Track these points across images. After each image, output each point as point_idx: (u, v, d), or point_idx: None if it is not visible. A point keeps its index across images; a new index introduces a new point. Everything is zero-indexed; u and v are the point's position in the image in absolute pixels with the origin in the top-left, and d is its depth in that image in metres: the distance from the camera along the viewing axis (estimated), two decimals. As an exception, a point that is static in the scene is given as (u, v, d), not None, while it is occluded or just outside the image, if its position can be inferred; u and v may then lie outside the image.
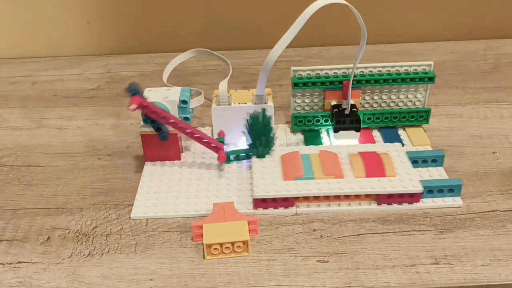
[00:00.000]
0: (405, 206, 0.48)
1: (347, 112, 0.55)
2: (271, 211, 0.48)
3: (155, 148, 0.54)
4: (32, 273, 0.43)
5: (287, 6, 0.81)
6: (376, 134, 0.58)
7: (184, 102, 0.52)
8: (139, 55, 0.84)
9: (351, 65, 0.55)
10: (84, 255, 0.44)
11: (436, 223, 0.46)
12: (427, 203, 0.48)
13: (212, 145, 0.52)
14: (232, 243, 0.43)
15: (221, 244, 0.43)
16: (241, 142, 0.56)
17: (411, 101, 0.57)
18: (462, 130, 0.60)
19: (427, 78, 0.55)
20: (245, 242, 0.43)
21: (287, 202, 0.48)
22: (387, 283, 0.41)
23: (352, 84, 0.54)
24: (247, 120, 0.51)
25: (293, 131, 0.59)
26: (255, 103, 0.54)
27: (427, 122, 0.58)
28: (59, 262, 0.44)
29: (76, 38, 0.85)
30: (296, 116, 0.58)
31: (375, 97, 0.57)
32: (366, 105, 0.57)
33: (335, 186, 0.47)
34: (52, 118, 0.66)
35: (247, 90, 0.57)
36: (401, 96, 0.57)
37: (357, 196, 0.48)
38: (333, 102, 0.56)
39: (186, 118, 0.53)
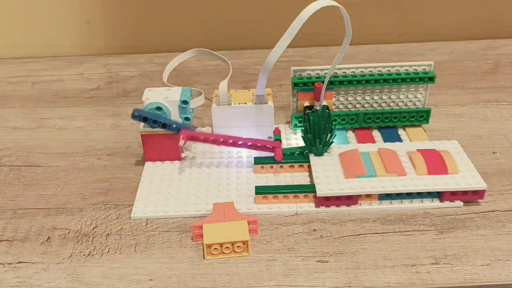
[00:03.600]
0: (405, 206, 0.48)
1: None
2: (271, 211, 0.48)
3: (155, 148, 0.54)
4: (32, 273, 0.43)
5: (287, 6, 0.81)
6: (376, 134, 0.58)
7: (185, 102, 0.52)
8: (139, 55, 0.84)
9: (352, 65, 0.55)
10: (84, 255, 0.44)
11: (436, 223, 0.46)
12: (426, 203, 0.48)
13: (268, 146, 0.52)
14: (232, 243, 0.43)
15: (221, 244, 0.43)
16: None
17: (411, 101, 0.57)
18: (462, 130, 0.60)
19: (427, 78, 0.55)
20: (245, 242, 0.43)
21: (350, 200, 0.47)
22: (387, 283, 0.41)
23: (355, 83, 0.54)
24: (306, 117, 0.51)
25: (294, 131, 0.59)
26: (256, 103, 0.54)
27: (427, 122, 0.58)
28: (59, 262, 0.44)
29: (76, 38, 0.85)
30: (296, 116, 0.58)
31: (375, 97, 0.57)
32: (366, 105, 0.57)
33: (399, 184, 0.47)
34: (52, 118, 0.66)
35: (247, 90, 0.57)
36: (401, 96, 0.57)
37: (419, 194, 0.48)
38: (306, 103, 0.56)
39: (187, 118, 0.53)
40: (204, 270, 0.42)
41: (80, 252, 0.45)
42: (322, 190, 0.47)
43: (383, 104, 0.57)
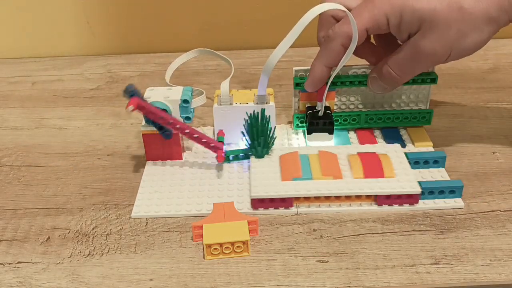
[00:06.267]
0: (405, 207, 0.48)
1: (320, 114, 0.55)
2: (271, 211, 0.48)
3: (156, 147, 0.54)
4: (32, 273, 0.43)
5: (287, 6, 0.81)
6: (377, 134, 0.58)
7: (185, 101, 0.52)
8: (139, 55, 0.84)
9: (352, 66, 0.55)
10: (84, 255, 0.44)
11: (436, 223, 0.46)
12: (428, 204, 0.48)
13: (211, 145, 0.52)
14: (232, 243, 0.43)
15: (221, 244, 0.43)
16: (243, 141, 0.56)
17: (413, 101, 0.57)
18: (462, 130, 0.60)
19: (429, 79, 0.55)
20: (245, 242, 0.43)
21: (285, 202, 0.48)
22: (387, 283, 0.41)
23: (357, 84, 0.54)
24: (246, 120, 0.51)
25: (295, 131, 0.59)
26: (257, 103, 0.54)
27: (429, 123, 0.58)
28: (59, 262, 0.44)
29: (76, 38, 0.85)
30: (298, 116, 0.58)
31: (377, 98, 0.57)
32: (368, 106, 0.57)
33: (334, 187, 0.47)
34: (52, 118, 0.66)
35: (249, 90, 0.57)
36: (403, 97, 0.57)
37: (358, 197, 0.48)
38: (308, 104, 0.56)
39: (188, 118, 0.53)
40: (204, 270, 0.42)
41: (80, 252, 0.45)
42: (257, 192, 0.47)
43: (384, 105, 0.57)
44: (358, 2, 0.50)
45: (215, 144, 0.52)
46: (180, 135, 0.54)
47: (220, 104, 0.54)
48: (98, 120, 0.65)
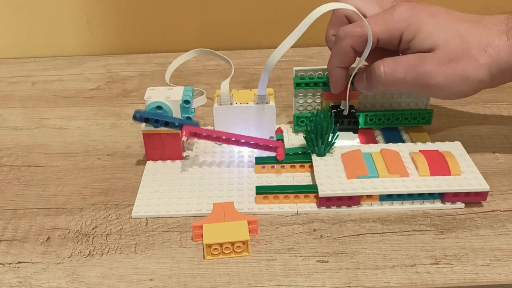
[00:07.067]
0: (405, 207, 0.48)
1: (345, 113, 0.55)
2: (271, 211, 0.48)
3: (156, 147, 0.54)
4: (32, 273, 0.43)
5: (287, 6, 0.81)
6: (378, 134, 0.58)
7: (187, 102, 0.52)
8: (139, 55, 0.84)
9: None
10: (84, 255, 0.44)
11: (436, 223, 0.46)
12: (427, 204, 0.48)
13: (270, 146, 0.52)
14: (232, 243, 0.43)
15: (221, 244, 0.43)
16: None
17: (413, 102, 0.57)
18: (462, 130, 0.60)
19: None
20: (245, 242, 0.43)
21: (352, 200, 0.47)
22: (387, 283, 0.41)
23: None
24: (308, 118, 0.51)
25: (295, 131, 0.59)
26: (257, 103, 0.54)
27: (430, 123, 0.58)
28: (59, 262, 0.44)
29: (76, 38, 0.85)
30: (298, 117, 0.58)
31: (378, 98, 0.57)
32: (368, 106, 0.57)
33: (401, 185, 0.47)
34: (52, 118, 0.66)
35: (249, 90, 0.57)
36: (403, 97, 0.57)
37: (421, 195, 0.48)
38: (331, 103, 0.56)
39: (189, 118, 0.53)
40: (204, 270, 0.42)
41: (80, 252, 0.45)
42: (324, 190, 0.47)
43: (385, 105, 0.57)
44: (374, 12, 0.50)
45: (273, 145, 0.52)
46: (181, 132, 0.53)
47: (221, 104, 0.54)
48: (98, 120, 0.65)
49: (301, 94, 0.56)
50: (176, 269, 0.43)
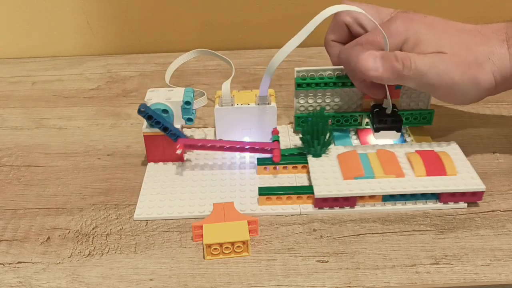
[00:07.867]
0: (406, 207, 0.48)
1: (388, 112, 0.54)
2: (274, 212, 0.48)
3: (158, 149, 0.54)
4: (32, 273, 0.43)
5: (288, 6, 0.81)
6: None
7: (187, 103, 0.52)
8: (139, 55, 0.84)
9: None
10: (84, 255, 0.44)
11: (436, 223, 0.46)
12: (429, 204, 0.48)
13: (266, 148, 0.52)
14: (232, 243, 0.43)
15: (221, 244, 0.43)
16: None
17: (414, 101, 0.57)
18: (462, 130, 0.60)
19: None
20: (245, 242, 0.43)
21: (348, 201, 0.47)
22: (387, 283, 0.41)
23: None
24: (306, 119, 0.51)
25: (296, 131, 0.59)
26: (258, 104, 0.54)
27: (430, 123, 0.58)
28: (59, 262, 0.44)
29: (76, 38, 0.85)
30: (299, 117, 0.58)
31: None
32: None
33: (397, 185, 0.47)
34: (52, 118, 0.66)
35: (250, 90, 0.57)
36: (404, 97, 0.57)
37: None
38: (372, 102, 0.56)
39: (189, 119, 0.53)
40: (204, 270, 0.42)
41: (80, 252, 0.45)
42: (320, 191, 0.47)
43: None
44: (373, 22, 0.49)
45: (269, 147, 0.52)
46: (176, 144, 0.53)
47: (222, 105, 0.54)
48: (98, 120, 0.65)
49: (302, 95, 0.56)
50: (176, 269, 0.43)
